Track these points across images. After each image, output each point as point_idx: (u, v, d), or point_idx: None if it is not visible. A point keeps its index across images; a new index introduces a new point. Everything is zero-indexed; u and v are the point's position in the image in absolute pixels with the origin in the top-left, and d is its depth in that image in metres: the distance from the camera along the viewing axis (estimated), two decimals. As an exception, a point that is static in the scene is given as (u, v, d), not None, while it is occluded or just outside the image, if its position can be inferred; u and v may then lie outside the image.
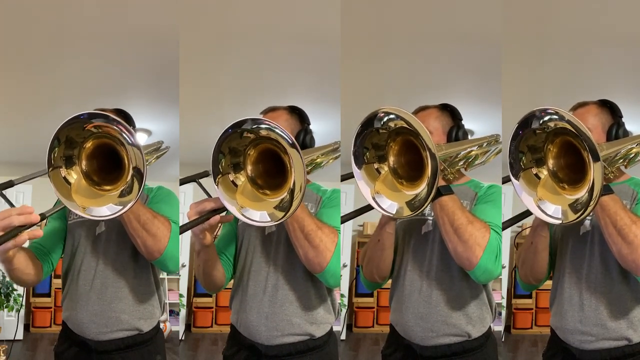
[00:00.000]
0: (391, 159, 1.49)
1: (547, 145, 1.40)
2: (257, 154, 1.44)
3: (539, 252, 1.67)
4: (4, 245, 1.36)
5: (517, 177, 1.42)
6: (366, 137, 1.46)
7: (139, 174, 1.38)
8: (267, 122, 1.36)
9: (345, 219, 1.62)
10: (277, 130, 1.35)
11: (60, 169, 1.44)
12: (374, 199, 1.48)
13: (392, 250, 1.71)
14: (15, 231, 1.35)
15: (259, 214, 1.41)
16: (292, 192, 1.36)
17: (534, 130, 1.37)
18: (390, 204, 1.47)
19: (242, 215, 1.41)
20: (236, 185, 1.44)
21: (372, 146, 1.48)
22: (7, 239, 1.34)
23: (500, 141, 1.88)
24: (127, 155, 1.40)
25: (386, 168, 1.50)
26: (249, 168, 1.44)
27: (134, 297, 1.77)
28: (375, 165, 1.49)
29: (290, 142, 1.33)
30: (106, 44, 2.76)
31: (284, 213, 1.38)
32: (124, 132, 1.39)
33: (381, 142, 1.48)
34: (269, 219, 1.40)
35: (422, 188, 1.41)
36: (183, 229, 1.44)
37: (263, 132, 1.37)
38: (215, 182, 1.43)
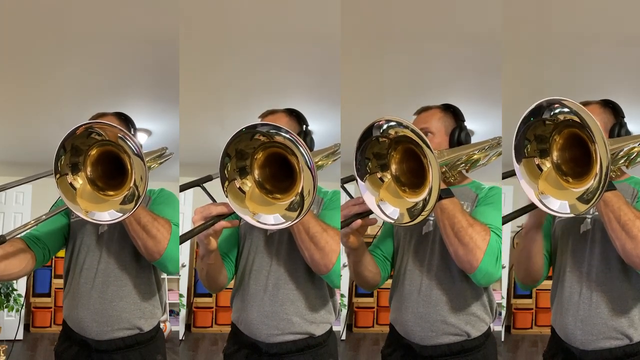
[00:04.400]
0: (393, 167, 1.48)
1: (553, 137, 1.38)
2: (263, 158, 1.43)
3: (532, 256, 1.68)
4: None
5: (519, 162, 1.40)
6: (367, 148, 1.44)
7: (140, 184, 1.43)
8: (276, 127, 1.36)
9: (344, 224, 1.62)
10: (287, 135, 1.34)
11: (67, 176, 1.49)
12: (379, 207, 1.46)
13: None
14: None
15: (272, 217, 1.40)
16: (302, 194, 1.36)
17: (544, 121, 1.35)
18: (392, 210, 1.45)
19: (257, 221, 1.40)
20: (244, 192, 1.43)
21: (373, 156, 1.46)
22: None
23: (501, 144, 1.87)
24: (131, 163, 1.44)
25: (389, 176, 1.49)
26: (256, 172, 1.44)
27: (135, 296, 1.78)
28: (379, 175, 1.49)
29: (299, 144, 1.33)
30: (106, 44, 2.76)
31: (296, 213, 1.36)
32: (128, 141, 1.43)
33: (382, 151, 1.46)
34: (283, 221, 1.38)
35: (422, 197, 1.39)
36: (188, 235, 1.43)
37: (278, 138, 1.36)
38: (224, 190, 1.42)
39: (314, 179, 1.33)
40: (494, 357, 1.72)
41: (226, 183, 1.42)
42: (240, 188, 1.43)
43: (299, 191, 1.36)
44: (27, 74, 3.25)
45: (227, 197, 1.42)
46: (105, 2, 2.39)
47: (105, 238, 1.78)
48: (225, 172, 1.41)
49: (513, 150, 1.40)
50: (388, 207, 1.45)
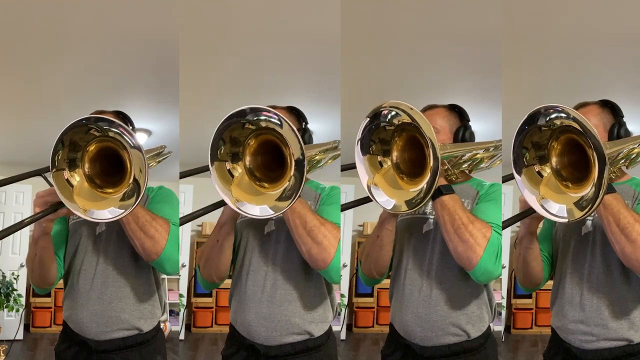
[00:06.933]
0: (394, 154, 1.49)
1: (551, 143, 1.39)
2: (256, 145, 1.43)
3: (528, 262, 1.68)
4: (46, 217, 1.50)
5: (519, 174, 1.41)
6: (374, 132, 1.46)
7: (140, 178, 1.41)
8: (269, 112, 1.37)
9: (343, 208, 1.63)
10: (274, 119, 1.36)
11: (64, 171, 1.48)
12: (369, 188, 1.48)
13: (391, 247, 1.71)
14: (56, 206, 1.49)
15: (258, 208, 1.40)
16: (288, 185, 1.37)
17: (539, 127, 1.36)
18: (386, 199, 1.46)
19: (238, 208, 1.42)
20: (232, 176, 1.44)
21: (378, 140, 1.47)
22: (48, 212, 1.48)
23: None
24: (130, 159, 1.43)
25: (389, 162, 1.49)
26: (248, 159, 1.44)
27: (134, 297, 1.77)
28: (379, 158, 1.49)
29: (291, 128, 1.34)
30: (106, 44, 2.76)
31: (287, 203, 1.37)
32: (126, 136, 1.42)
33: (387, 138, 1.47)
34: (272, 212, 1.39)
35: (421, 186, 1.40)
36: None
37: (263, 124, 1.38)
38: (210, 165, 1.44)
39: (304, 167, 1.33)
40: (494, 358, 1.72)
41: (216, 162, 1.44)
42: (229, 170, 1.45)
43: (285, 186, 1.38)
44: (27, 74, 3.25)
45: (212, 173, 1.44)
46: (105, 2, 2.39)
47: (102, 239, 1.77)
48: (218, 153, 1.44)
49: (512, 163, 1.40)
50: (381, 196, 1.46)
